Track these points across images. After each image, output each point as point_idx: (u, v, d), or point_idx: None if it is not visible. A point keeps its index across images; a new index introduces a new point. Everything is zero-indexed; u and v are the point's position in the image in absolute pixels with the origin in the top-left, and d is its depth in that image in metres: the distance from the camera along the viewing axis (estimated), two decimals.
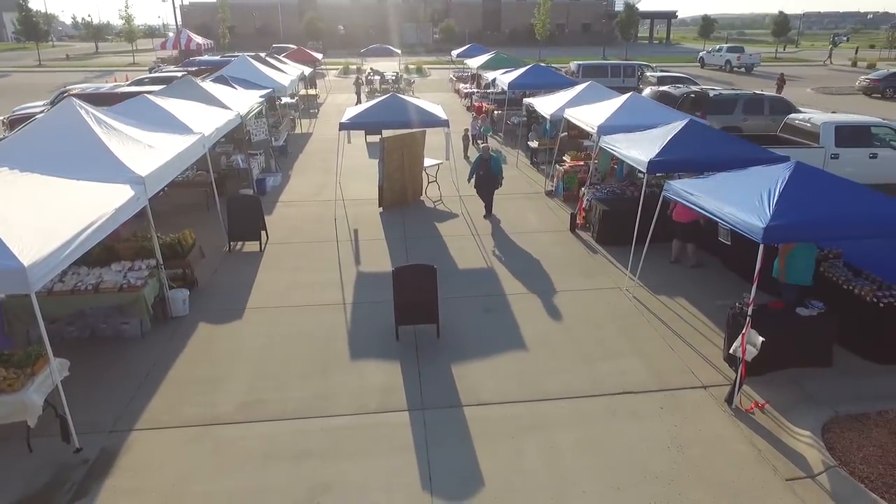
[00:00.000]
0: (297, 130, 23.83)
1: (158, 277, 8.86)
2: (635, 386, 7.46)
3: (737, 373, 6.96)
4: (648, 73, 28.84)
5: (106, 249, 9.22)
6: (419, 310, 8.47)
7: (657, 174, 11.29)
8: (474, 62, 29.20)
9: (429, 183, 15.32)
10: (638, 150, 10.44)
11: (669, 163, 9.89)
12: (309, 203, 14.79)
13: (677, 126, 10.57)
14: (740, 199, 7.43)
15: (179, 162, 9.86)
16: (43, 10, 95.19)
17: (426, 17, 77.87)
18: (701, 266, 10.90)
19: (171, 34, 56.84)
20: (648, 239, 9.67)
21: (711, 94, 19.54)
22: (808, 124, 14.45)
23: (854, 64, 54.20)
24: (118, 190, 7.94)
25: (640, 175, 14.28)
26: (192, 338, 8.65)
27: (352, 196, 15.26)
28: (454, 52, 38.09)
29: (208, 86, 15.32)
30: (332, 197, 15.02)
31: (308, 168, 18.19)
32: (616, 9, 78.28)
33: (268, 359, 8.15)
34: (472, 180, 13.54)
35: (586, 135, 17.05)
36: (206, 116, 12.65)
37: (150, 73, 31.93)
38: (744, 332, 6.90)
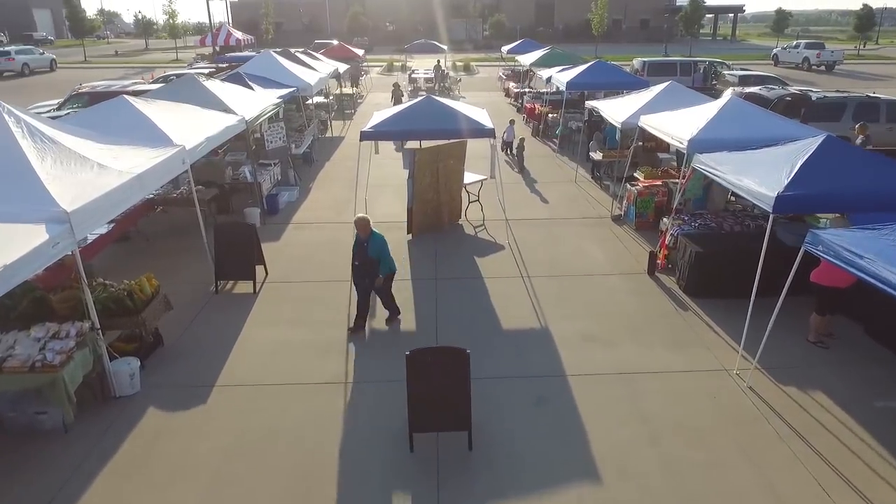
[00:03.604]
0: (328, 134, 21.56)
1: (94, 346, 6.55)
2: None
3: None
4: (727, 73, 25.35)
5: (35, 303, 6.98)
6: (443, 411, 5.89)
7: (788, 214, 8.34)
8: (526, 59, 26.29)
9: (469, 203, 12.72)
10: (754, 177, 7.56)
11: (807, 199, 6.94)
12: (326, 226, 12.37)
13: (810, 145, 7.64)
14: None
15: (141, 185, 7.57)
16: (100, 7, 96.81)
17: (476, 13, 75.12)
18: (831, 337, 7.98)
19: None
20: (780, 301, 6.73)
21: (814, 96, 16.23)
22: None
23: None
24: (25, 233, 5.66)
25: (732, 201, 11.40)
26: (132, 433, 6.30)
27: (378, 216, 12.71)
28: (504, 49, 35.19)
29: (215, 86, 13.10)
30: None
31: (333, 179, 15.80)
32: (678, 3, 73.64)
33: (227, 476, 5.72)
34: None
35: (664, 146, 14.14)
36: (199, 123, 10.38)
37: (189, 68, 30.75)
38: None
